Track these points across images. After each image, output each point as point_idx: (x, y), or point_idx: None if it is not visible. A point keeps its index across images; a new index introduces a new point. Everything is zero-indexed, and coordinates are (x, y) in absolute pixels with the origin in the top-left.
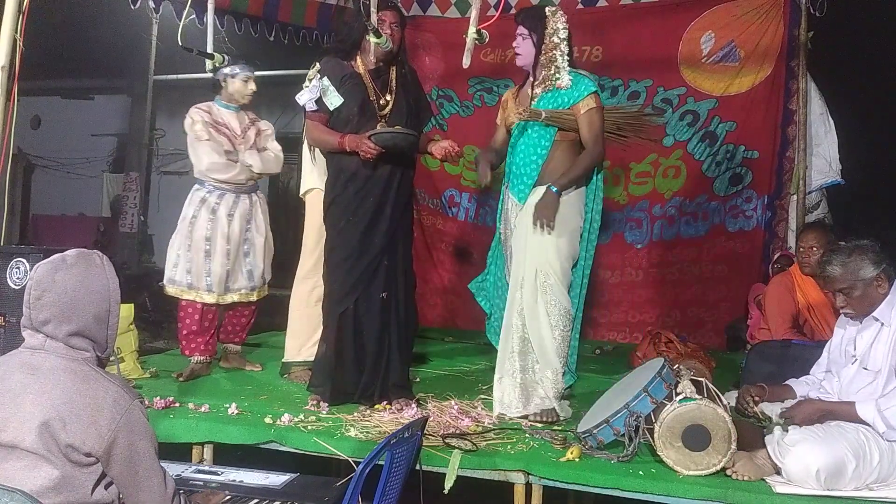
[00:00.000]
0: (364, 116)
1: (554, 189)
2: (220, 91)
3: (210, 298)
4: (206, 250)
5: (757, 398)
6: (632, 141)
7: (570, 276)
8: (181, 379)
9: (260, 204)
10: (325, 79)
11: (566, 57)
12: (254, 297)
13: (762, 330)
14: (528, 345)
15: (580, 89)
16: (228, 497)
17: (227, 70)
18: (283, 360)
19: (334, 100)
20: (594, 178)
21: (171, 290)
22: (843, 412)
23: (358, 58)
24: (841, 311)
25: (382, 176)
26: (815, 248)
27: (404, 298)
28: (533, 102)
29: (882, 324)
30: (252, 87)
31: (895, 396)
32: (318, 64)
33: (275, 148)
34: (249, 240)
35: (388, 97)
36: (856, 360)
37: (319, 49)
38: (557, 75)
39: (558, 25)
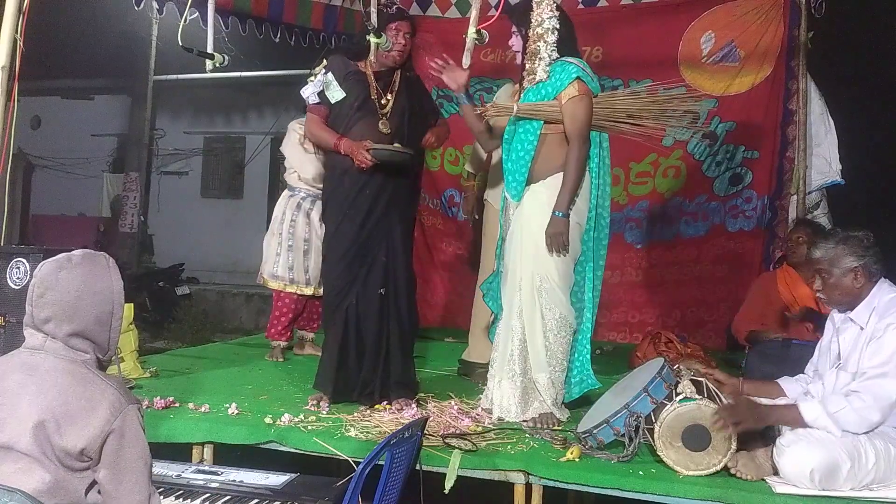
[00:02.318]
0: (362, 112)
1: (559, 214)
2: None
3: (309, 291)
4: (304, 249)
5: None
6: (652, 131)
7: (573, 277)
8: (273, 360)
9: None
10: (330, 74)
11: (552, 47)
12: None
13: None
14: (528, 347)
15: (562, 78)
16: (229, 497)
17: None
18: (462, 359)
19: (336, 94)
20: (597, 171)
21: (273, 284)
22: (786, 416)
23: (367, 60)
24: (816, 294)
25: (379, 172)
26: (801, 240)
27: (405, 295)
28: (520, 98)
29: (861, 328)
30: None
31: (841, 396)
32: (325, 60)
33: None
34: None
35: (389, 97)
36: (839, 363)
37: (325, 49)
38: (537, 68)
39: (543, 16)
